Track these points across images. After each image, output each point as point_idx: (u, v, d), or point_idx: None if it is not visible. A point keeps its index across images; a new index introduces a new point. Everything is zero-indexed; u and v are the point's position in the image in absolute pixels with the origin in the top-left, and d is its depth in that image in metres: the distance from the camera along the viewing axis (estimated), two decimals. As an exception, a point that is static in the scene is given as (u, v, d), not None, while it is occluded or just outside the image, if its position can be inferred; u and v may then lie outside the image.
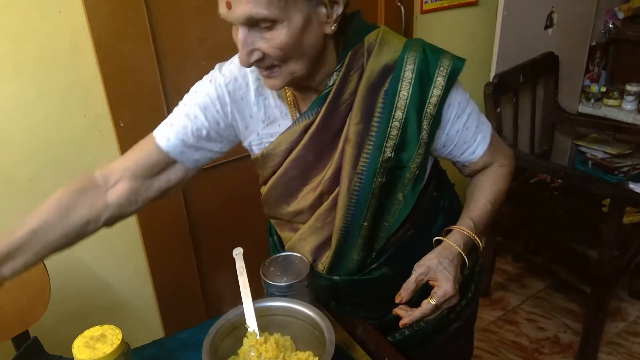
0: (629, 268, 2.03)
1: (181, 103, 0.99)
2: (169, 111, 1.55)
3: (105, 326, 0.85)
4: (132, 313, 1.74)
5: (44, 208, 0.91)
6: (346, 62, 0.90)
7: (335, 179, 0.97)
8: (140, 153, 0.97)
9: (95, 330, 0.84)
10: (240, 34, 0.80)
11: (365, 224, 0.98)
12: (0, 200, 1.42)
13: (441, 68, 0.92)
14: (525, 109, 2.36)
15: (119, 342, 0.82)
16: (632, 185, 1.92)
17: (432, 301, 0.92)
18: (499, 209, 1.05)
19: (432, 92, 0.92)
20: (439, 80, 0.92)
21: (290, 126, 0.96)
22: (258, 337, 0.94)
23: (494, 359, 2.15)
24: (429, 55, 0.92)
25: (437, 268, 0.94)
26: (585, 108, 2.60)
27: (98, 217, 0.94)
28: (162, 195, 1.01)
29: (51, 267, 1.28)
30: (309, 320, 0.96)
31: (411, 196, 0.98)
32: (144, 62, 1.49)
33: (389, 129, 0.92)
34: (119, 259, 1.67)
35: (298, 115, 0.96)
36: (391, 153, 0.93)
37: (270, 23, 0.78)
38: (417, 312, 0.93)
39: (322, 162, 0.97)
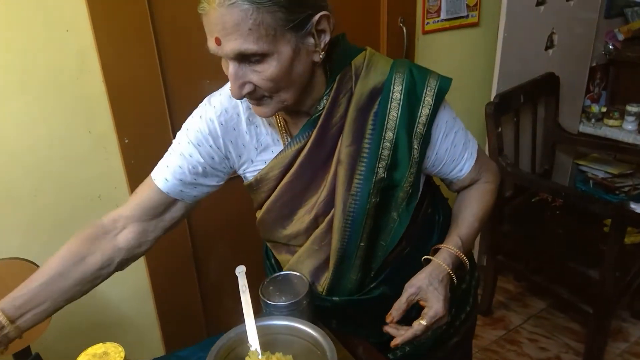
0: (630, 288, 2.02)
1: (175, 142, 1.01)
2: (174, 128, 1.59)
3: (108, 344, 0.85)
4: (133, 330, 1.73)
5: (58, 257, 0.95)
6: (335, 86, 0.92)
7: (330, 201, 0.97)
8: (142, 197, 1.00)
9: (97, 348, 0.84)
10: (231, 68, 0.82)
11: (362, 244, 0.98)
12: (2, 214, 1.43)
13: (429, 88, 0.94)
14: (526, 128, 2.37)
15: (121, 359, 0.82)
16: (633, 206, 1.91)
17: (423, 322, 0.94)
18: (485, 224, 1.09)
19: (421, 112, 0.94)
20: (427, 100, 0.94)
21: (282, 150, 0.97)
22: (260, 356, 0.94)
23: (495, 379, 2.14)
24: (416, 76, 0.94)
25: (428, 288, 0.96)
26: (586, 128, 2.61)
27: (111, 260, 0.99)
28: (168, 231, 1.05)
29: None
30: (311, 340, 0.96)
31: (406, 214, 0.98)
32: (149, 80, 1.51)
33: (380, 149, 0.93)
34: (121, 275, 1.66)
35: (289, 140, 0.97)
36: (384, 173, 0.94)
37: (260, 57, 0.79)
38: (408, 333, 0.94)
39: (315, 184, 0.98)
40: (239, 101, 0.97)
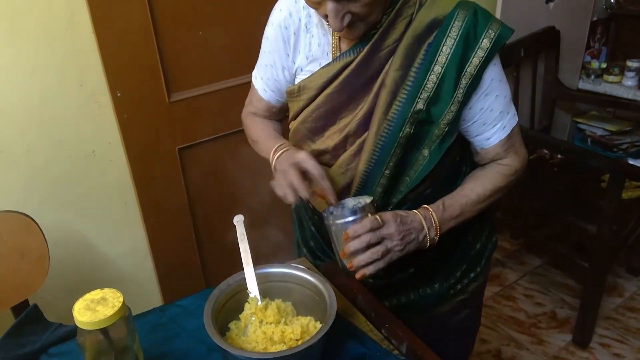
0: (626, 243, 2.03)
1: (261, 55, 1.10)
2: (166, 79, 1.56)
3: (106, 290, 0.84)
4: (132, 285, 1.74)
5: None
6: (396, 8, 0.92)
7: (364, 123, 0.98)
8: (258, 107, 1.17)
9: (96, 294, 0.84)
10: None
11: (387, 172, 0.98)
12: (-3, 171, 1.41)
13: (489, 31, 0.92)
14: (526, 84, 2.35)
15: (120, 304, 0.81)
16: (631, 161, 1.91)
17: (378, 217, 0.91)
18: (490, 203, 1.04)
19: (476, 53, 0.92)
20: (484, 43, 0.92)
21: (331, 62, 0.99)
22: (259, 302, 0.94)
23: (491, 333, 2.17)
24: (479, 17, 0.92)
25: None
26: (585, 84, 2.58)
27: None
28: None
29: (50, 237, 1.27)
30: (310, 286, 0.96)
31: (437, 153, 0.98)
32: (140, 30, 1.47)
33: (426, 80, 0.93)
34: (118, 232, 1.67)
35: (339, 54, 0.98)
36: (423, 105, 0.93)
37: None
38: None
39: (353, 103, 0.98)
40: (301, 6, 1.00)
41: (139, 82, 1.50)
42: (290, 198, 0.93)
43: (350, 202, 0.97)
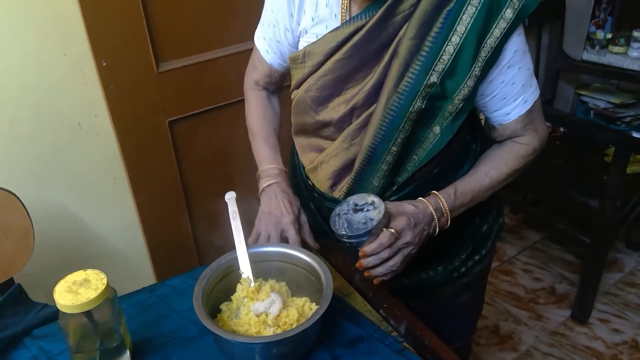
0: (629, 218, 2.00)
1: (264, 12, 1.05)
2: (154, 48, 1.49)
3: (89, 271, 0.80)
4: (123, 262, 1.70)
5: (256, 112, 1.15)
6: None
7: (372, 95, 0.91)
8: (260, 71, 1.13)
9: (78, 275, 0.79)
10: None
11: (393, 148, 0.92)
12: (-22, 144, 1.35)
13: (513, 0, 0.84)
14: (530, 54, 2.28)
15: (103, 287, 0.77)
16: (635, 135, 1.86)
17: (392, 230, 0.86)
18: (504, 186, 0.99)
19: (498, 23, 0.84)
20: (508, 13, 0.84)
21: (340, 26, 0.91)
22: (252, 283, 0.89)
23: (489, 308, 2.15)
24: None
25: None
26: (589, 55, 2.50)
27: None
28: None
29: (35, 213, 1.22)
30: (305, 266, 0.92)
31: (448, 131, 0.91)
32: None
33: (442, 52, 0.85)
34: (107, 208, 1.62)
35: (349, 18, 0.91)
36: (437, 78, 0.86)
37: None
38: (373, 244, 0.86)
39: (362, 73, 0.92)
40: None
41: (125, 50, 1.44)
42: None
43: (357, 199, 0.90)
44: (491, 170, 0.97)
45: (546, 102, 2.44)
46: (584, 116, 2.70)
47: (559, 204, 2.19)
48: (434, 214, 0.91)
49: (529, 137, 0.97)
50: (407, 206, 0.90)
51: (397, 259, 0.88)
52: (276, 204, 1.04)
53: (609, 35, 2.50)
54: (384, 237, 0.85)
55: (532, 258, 2.41)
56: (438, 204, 0.92)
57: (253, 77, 1.15)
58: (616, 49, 2.43)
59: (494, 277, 2.31)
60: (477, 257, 1.12)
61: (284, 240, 1.01)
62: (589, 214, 1.92)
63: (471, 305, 1.25)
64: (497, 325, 2.08)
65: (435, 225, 0.92)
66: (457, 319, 1.20)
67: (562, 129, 2.35)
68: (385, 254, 0.86)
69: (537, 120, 0.97)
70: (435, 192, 0.94)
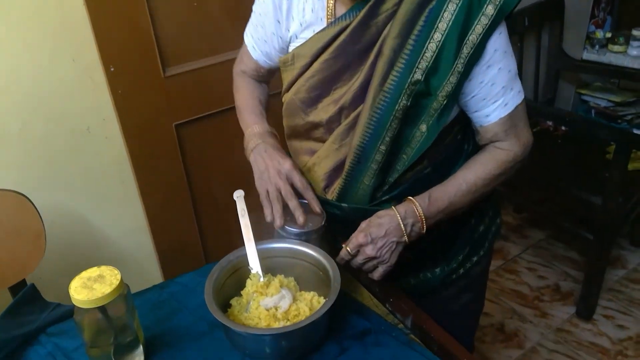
0: (631, 215, 2.01)
1: (252, 13, 1.07)
2: (161, 53, 1.52)
3: (103, 267, 0.83)
4: (132, 264, 1.72)
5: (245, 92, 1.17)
6: None
7: (360, 95, 0.93)
8: (247, 65, 1.16)
9: (93, 271, 0.82)
10: None
11: (382, 147, 0.93)
12: (-9, 149, 1.37)
13: None
14: (530, 55, 2.30)
15: (117, 282, 0.79)
16: (636, 132, 1.88)
17: (348, 248, 0.96)
18: (485, 192, 0.99)
19: (479, 20, 0.85)
20: (489, 9, 0.85)
21: (325, 27, 0.94)
22: (262, 278, 0.92)
23: (494, 307, 2.16)
24: None
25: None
26: (589, 55, 2.52)
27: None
28: None
29: (46, 216, 1.24)
30: (313, 261, 0.94)
31: (434, 129, 0.92)
32: (133, 1, 1.42)
33: (425, 49, 0.87)
34: (116, 212, 1.64)
35: (334, 19, 0.94)
36: (421, 76, 0.88)
37: None
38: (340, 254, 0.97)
39: (349, 73, 0.94)
40: None
41: (133, 56, 1.46)
42: (278, 223, 0.96)
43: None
44: (468, 174, 0.97)
45: (547, 101, 2.47)
46: (586, 115, 2.72)
47: (562, 203, 2.20)
48: (402, 225, 0.93)
49: (510, 143, 0.97)
50: (375, 220, 0.95)
51: (369, 266, 0.97)
52: (269, 156, 1.00)
53: (609, 35, 2.52)
54: (341, 252, 0.96)
55: (536, 256, 2.42)
56: (410, 208, 0.94)
57: (240, 67, 1.19)
58: (616, 47, 2.45)
59: (499, 275, 2.32)
60: (475, 259, 1.12)
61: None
62: (591, 211, 1.93)
63: (472, 307, 1.25)
64: (502, 324, 2.09)
65: (408, 234, 0.94)
66: (457, 320, 1.19)
67: (563, 128, 2.36)
68: (356, 263, 0.96)
69: (519, 126, 0.97)
70: (410, 197, 0.95)
